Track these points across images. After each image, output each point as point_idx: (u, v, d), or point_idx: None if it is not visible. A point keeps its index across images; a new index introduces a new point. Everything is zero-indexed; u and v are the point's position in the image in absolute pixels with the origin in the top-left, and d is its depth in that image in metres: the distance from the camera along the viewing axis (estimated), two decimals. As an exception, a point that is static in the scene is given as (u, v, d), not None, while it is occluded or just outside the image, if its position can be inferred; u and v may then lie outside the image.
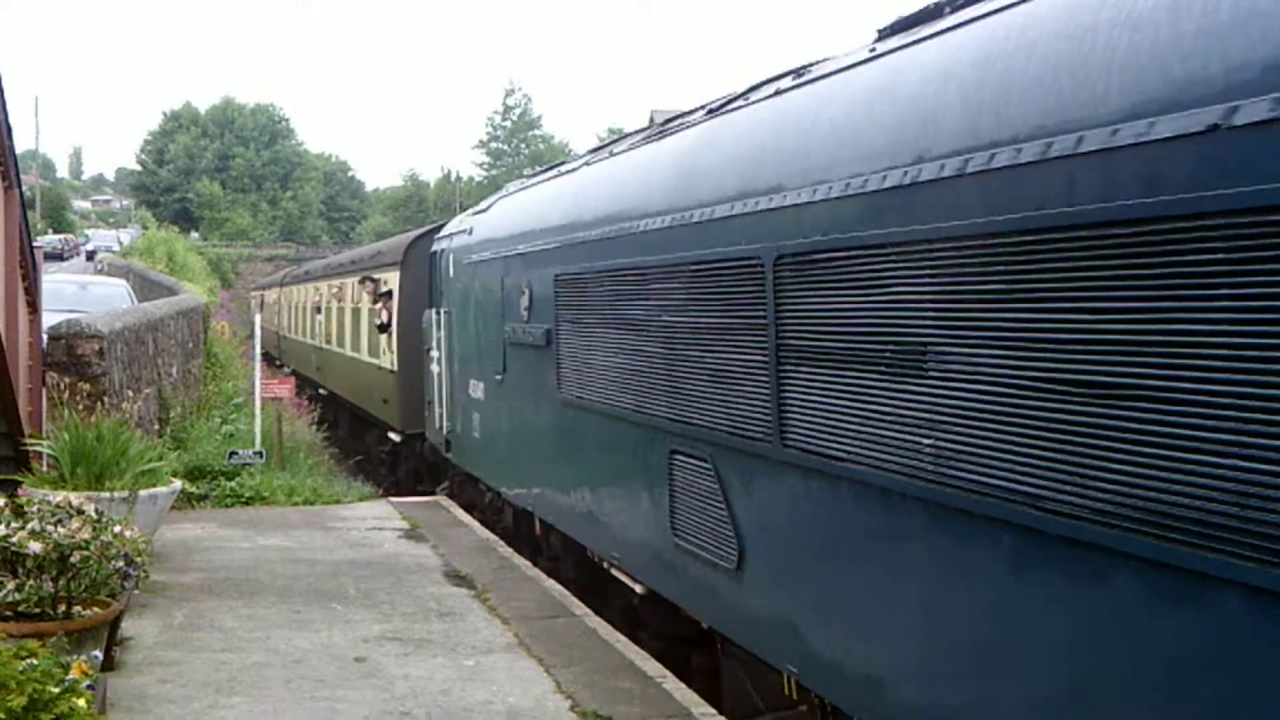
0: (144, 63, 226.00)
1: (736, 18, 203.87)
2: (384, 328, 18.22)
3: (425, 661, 7.48)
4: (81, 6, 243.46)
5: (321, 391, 27.59)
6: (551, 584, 9.79)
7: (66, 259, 55.46)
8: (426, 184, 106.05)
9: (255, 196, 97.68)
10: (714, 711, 6.69)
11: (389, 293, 18.48)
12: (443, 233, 15.04)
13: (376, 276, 19.68)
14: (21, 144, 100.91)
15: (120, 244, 58.15)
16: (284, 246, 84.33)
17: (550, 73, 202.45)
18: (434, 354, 14.24)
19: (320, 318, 28.11)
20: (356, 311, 22.46)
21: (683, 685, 7.18)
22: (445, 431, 13.96)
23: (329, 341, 26.61)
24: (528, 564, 10.54)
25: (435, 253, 14.79)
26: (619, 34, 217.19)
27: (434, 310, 14.41)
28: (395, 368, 17.71)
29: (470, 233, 12.85)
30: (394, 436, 18.52)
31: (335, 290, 25.32)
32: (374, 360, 19.80)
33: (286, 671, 7.24)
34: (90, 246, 62.90)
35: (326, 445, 21.04)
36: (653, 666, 7.53)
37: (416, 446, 17.28)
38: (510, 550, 11.16)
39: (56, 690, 2.97)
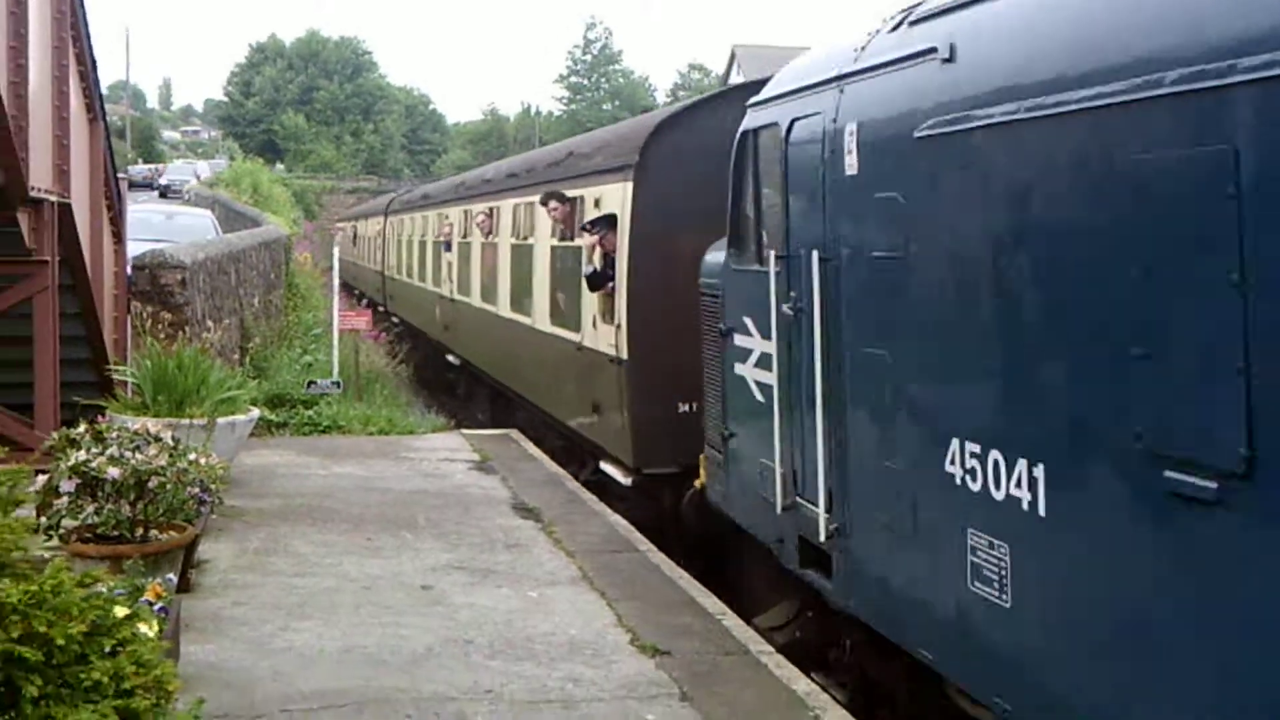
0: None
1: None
2: (597, 280, 11.06)
3: (490, 591, 7.62)
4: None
5: (452, 359, 20.41)
6: (617, 519, 9.89)
7: (155, 190, 52.49)
8: (506, 118, 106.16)
9: (339, 129, 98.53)
10: (771, 649, 6.74)
11: (605, 220, 10.99)
12: (779, 88, 7.20)
13: (573, 193, 12.45)
14: (112, 75, 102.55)
15: (198, 178, 52.19)
16: (366, 179, 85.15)
17: (632, 7, 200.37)
18: (757, 344, 7.32)
19: (452, 258, 19.93)
20: (526, 251, 14.32)
21: (742, 622, 7.24)
22: (822, 525, 6.31)
23: (467, 293, 18.32)
24: (594, 498, 10.65)
25: (756, 134, 7.45)
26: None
27: (759, 253, 7.31)
28: (622, 353, 10.50)
29: (918, 62, 5.43)
30: (614, 472, 10.91)
31: (482, 218, 17.23)
32: (568, 334, 12.32)
33: (356, 597, 7.43)
34: (165, 180, 52.32)
35: (402, 375, 21.33)
36: (713, 603, 7.60)
37: (662, 495, 10.36)
38: (578, 485, 11.28)
39: (119, 616, 3.07)
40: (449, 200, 21.17)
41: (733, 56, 69.89)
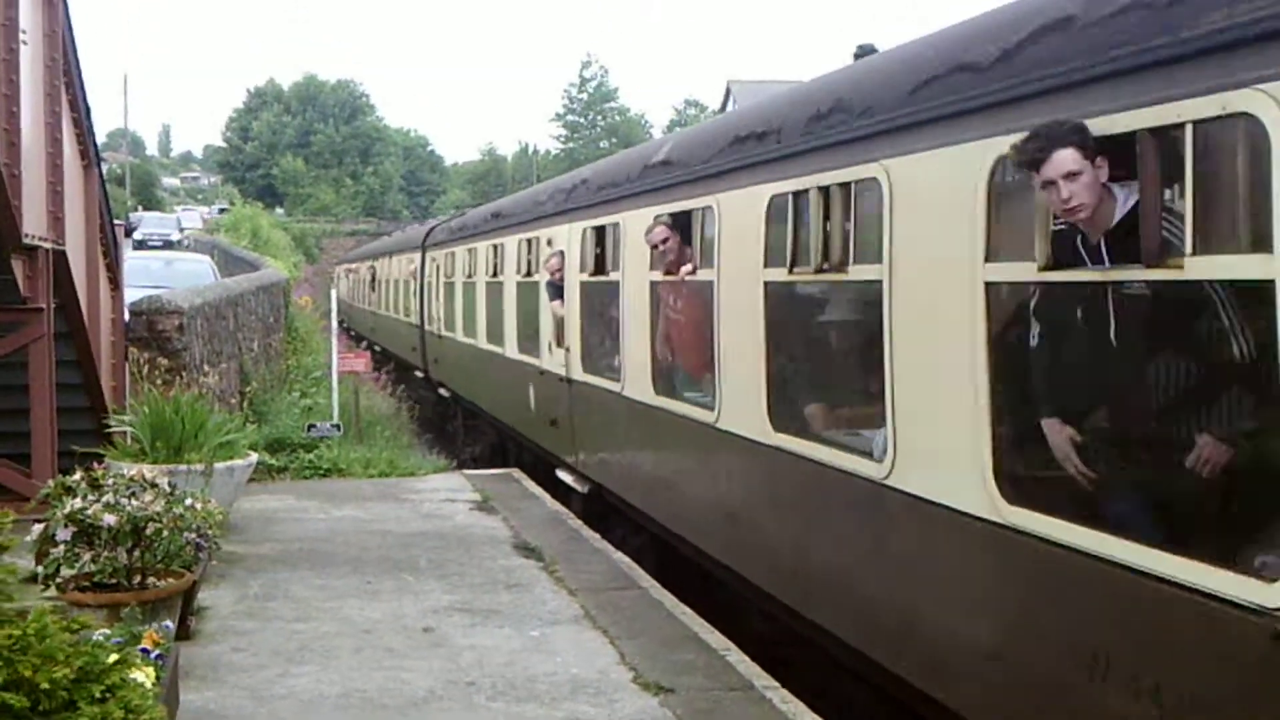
0: (229, 41, 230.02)
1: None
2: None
3: (492, 632, 7.54)
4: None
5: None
6: (620, 556, 9.81)
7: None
8: (504, 158, 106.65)
9: (337, 172, 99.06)
10: (777, 684, 6.66)
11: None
12: None
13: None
14: (112, 122, 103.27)
15: (180, 229, 46.36)
16: (366, 221, 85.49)
17: (627, 45, 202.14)
18: None
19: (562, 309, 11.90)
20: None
21: (746, 658, 7.15)
22: None
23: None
24: (596, 536, 10.57)
25: None
26: (694, 5, 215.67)
27: None
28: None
29: None
30: None
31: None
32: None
33: (356, 640, 7.35)
34: (140, 234, 42.12)
35: (402, 416, 21.21)
36: (717, 639, 7.51)
37: None
38: (580, 523, 11.20)
39: (109, 662, 3.01)
40: (548, 215, 12.81)
41: (728, 92, 70.21)
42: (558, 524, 11.16)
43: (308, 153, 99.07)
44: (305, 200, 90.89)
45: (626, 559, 9.71)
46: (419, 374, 23.60)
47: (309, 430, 14.28)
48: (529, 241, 13.61)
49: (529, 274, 13.47)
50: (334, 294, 19.33)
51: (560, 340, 11.82)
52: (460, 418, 20.33)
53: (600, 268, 10.68)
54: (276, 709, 6.15)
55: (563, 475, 12.26)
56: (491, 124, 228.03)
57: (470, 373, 17.97)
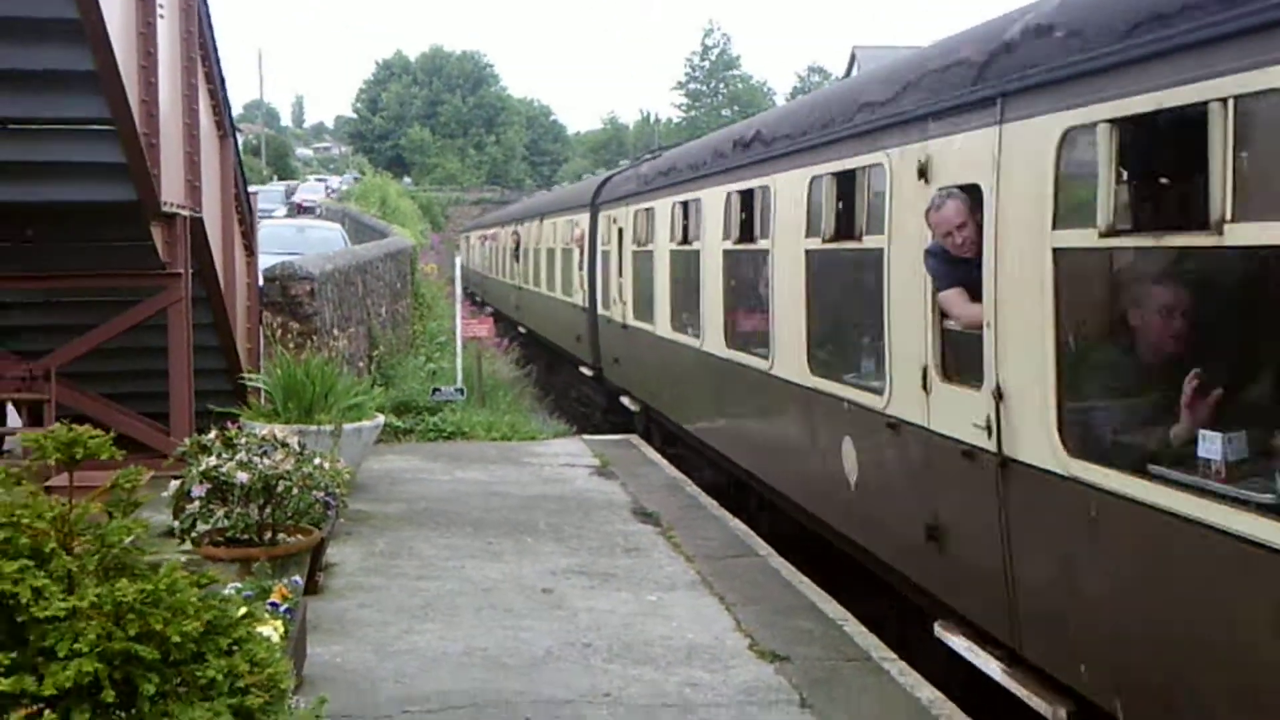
0: (361, 13, 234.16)
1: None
2: None
3: (609, 595, 7.61)
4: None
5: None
6: (736, 523, 9.80)
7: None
8: (625, 127, 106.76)
9: (462, 142, 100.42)
10: (894, 655, 6.59)
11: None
12: None
13: None
14: (248, 94, 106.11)
15: (329, 193, 52.96)
16: (490, 190, 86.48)
17: (749, 11, 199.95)
18: None
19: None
20: None
21: (864, 629, 7.10)
22: None
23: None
24: (714, 503, 10.58)
25: None
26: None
27: None
28: None
29: None
30: None
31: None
32: None
33: (477, 600, 7.49)
34: (298, 198, 48.45)
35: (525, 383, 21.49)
36: (834, 608, 7.47)
37: None
38: (698, 489, 11.23)
39: (237, 615, 3.12)
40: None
41: (853, 58, 69.03)
42: (676, 490, 11.20)
43: (434, 123, 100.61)
44: (432, 169, 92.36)
45: (743, 526, 9.71)
46: (585, 371, 18.65)
47: (434, 394, 14.57)
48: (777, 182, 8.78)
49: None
50: (458, 261, 19.61)
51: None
52: (651, 433, 14.47)
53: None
54: (401, 664, 6.31)
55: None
56: (613, 93, 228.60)
57: (679, 384, 12.41)
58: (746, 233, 9.75)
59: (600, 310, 17.11)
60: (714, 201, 10.65)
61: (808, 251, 8.11)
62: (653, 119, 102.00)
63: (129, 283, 9.93)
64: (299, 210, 43.16)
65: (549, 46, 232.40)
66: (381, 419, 11.21)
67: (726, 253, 10.32)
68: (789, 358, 8.52)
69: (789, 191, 8.48)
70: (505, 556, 8.58)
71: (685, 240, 11.89)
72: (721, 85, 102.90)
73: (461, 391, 14.79)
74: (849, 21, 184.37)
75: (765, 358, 9.10)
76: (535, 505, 10.30)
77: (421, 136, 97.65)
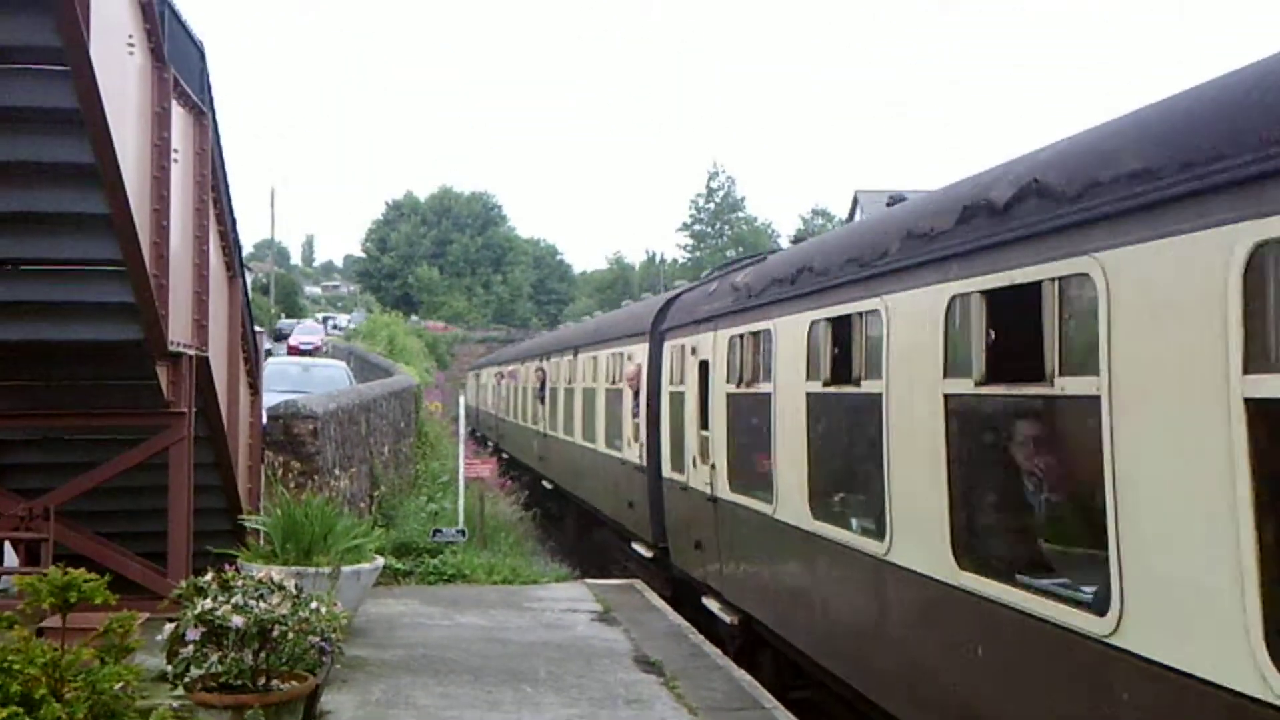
0: (371, 153, 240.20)
1: (939, 101, 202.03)
2: None
3: (610, 748, 7.38)
4: (314, 103, 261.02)
5: None
6: (741, 674, 9.57)
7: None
8: (631, 266, 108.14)
9: (470, 280, 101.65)
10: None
11: None
12: None
13: None
14: (259, 233, 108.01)
15: (338, 327, 52.62)
16: (496, 329, 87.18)
17: (753, 153, 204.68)
18: None
19: None
20: None
21: (873, 786, 6.80)
22: None
23: None
24: (718, 652, 10.35)
25: None
26: (821, 115, 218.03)
27: None
28: None
29: None
30: None
31: None
32: None
33: (473, 753, 7.26)
34: (295, 339, 47.55)
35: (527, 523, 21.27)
36: (842, 764, 7.22)
37: None
38: (701, 638, 11.00)
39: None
40: None
41: (855, 201, 70.28)
42: (679, 638, 10.98)
43: (442, 262, 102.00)
44: (439, 308, 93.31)
45: (749, 677, 9.47)
46: (639, 551, 14.51)
47: (435, 535, 14.42)
48: None
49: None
50: (462, 400, 19.63)
51: None
52: (760, 662, 10.28)
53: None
54: (392, 821, 6.08)
55: None
56: (619, 232, 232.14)
57: (833, 608, 8.29)
58: (1009, 363, 5.73)
59: (668, 473, 13.15)
60: (912, 311, 6.74)
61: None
62: (658, 259, 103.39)
63: (131, 421, 9.91)
64: (291, 353, 39.22)
65: (556, 186, 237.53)
66: (381, 561, 11.07)
67: (952, 399, 6.19)
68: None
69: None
70: (504, 706, 8.36)
71: (840, 378, 7.99)
72: (726, 226, 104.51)
73: (463, 533, 14.64)
74: (851, 164, 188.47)
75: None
76: (536, 652, 10.08)
77: (429, 276, 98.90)
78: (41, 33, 6.48)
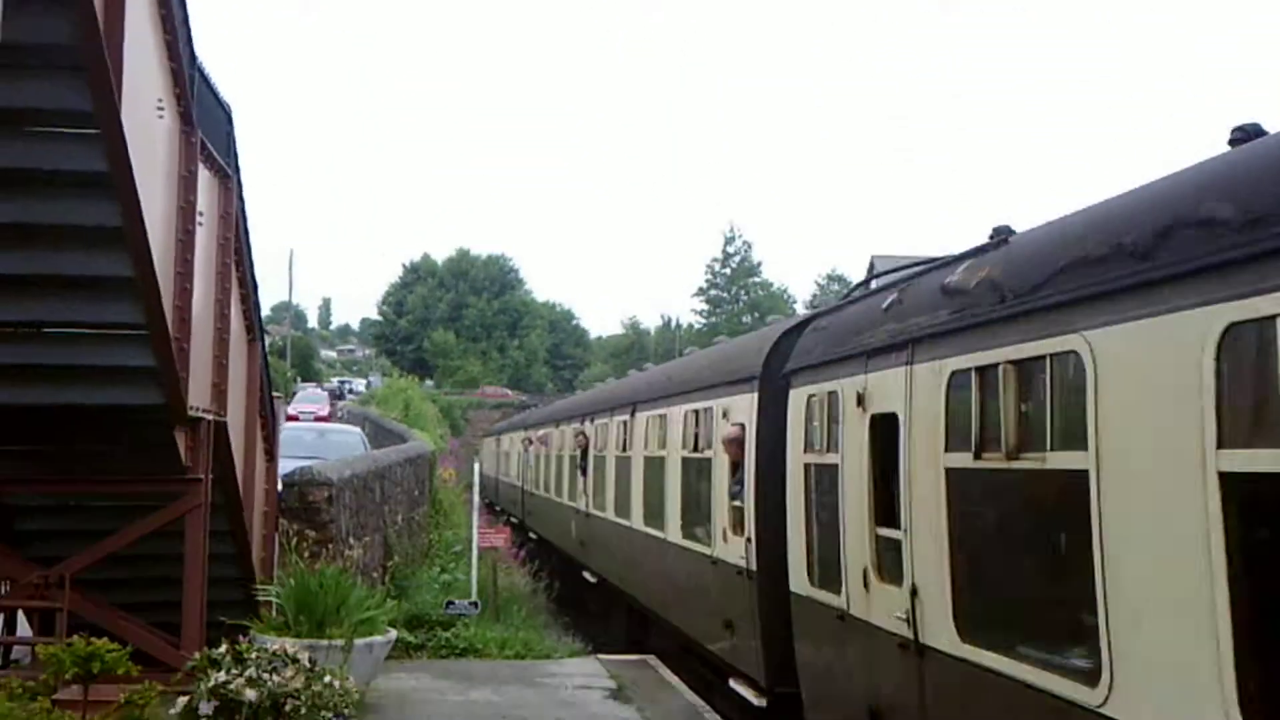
0: (389, 217, 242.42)
1: (955, 165, 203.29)
2: None
3: (629, 836, 7.15)
4: (333, 166, 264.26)
5: None
6: (762, 756, 9.25)
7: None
8: (647, 331, 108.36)
9: (485, 344, 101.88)
10: None
11: None
12: None
13: None
14: (277, 296, 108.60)
15: (351, 391, 53.49)
16: (511, 394, 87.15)
17: (770, 218, 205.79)
18: None
19: None
20: None
21: None
22: None
23: None
24: (738, 733, 9.95)
25: None
26: (838, 181, 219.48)
27: None
28: None
29: None
30: None
31: None
32: None
33: (488, 838, 7.04)
34: (293, 407, 43.80)
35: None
36: None
37: None
38: (717, 716, 10.75)
39: None
40: None
41: (871, 266, 70.48)
42: (695, 717, 10.73)
43: (458, 326, 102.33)
44: (454, 372, 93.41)
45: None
46: (747, 696, 10.29)
47: (448, 607, 14.22)
48: None
49: None
50: (476, 468, 19.47)
51: None
52: None
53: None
54: None
55: None
56: (635, 296, 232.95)
57: None
58: None
59: (804, 587, 8.88)
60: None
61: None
62: (674, 324, 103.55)
63: (148, 488, 9.79)
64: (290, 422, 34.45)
65: (572, 248, 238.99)
66: (394, 634, 10.90)
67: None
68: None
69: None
70: (519, 788, 8.13)
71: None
72: (743, 291, 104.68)
73: (476, 605, 14.43)
74: (867, 230, 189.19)
75: None
76: (550, 730, 9.85)
77: (445, 340, 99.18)
78: (74, 96, 6.47)
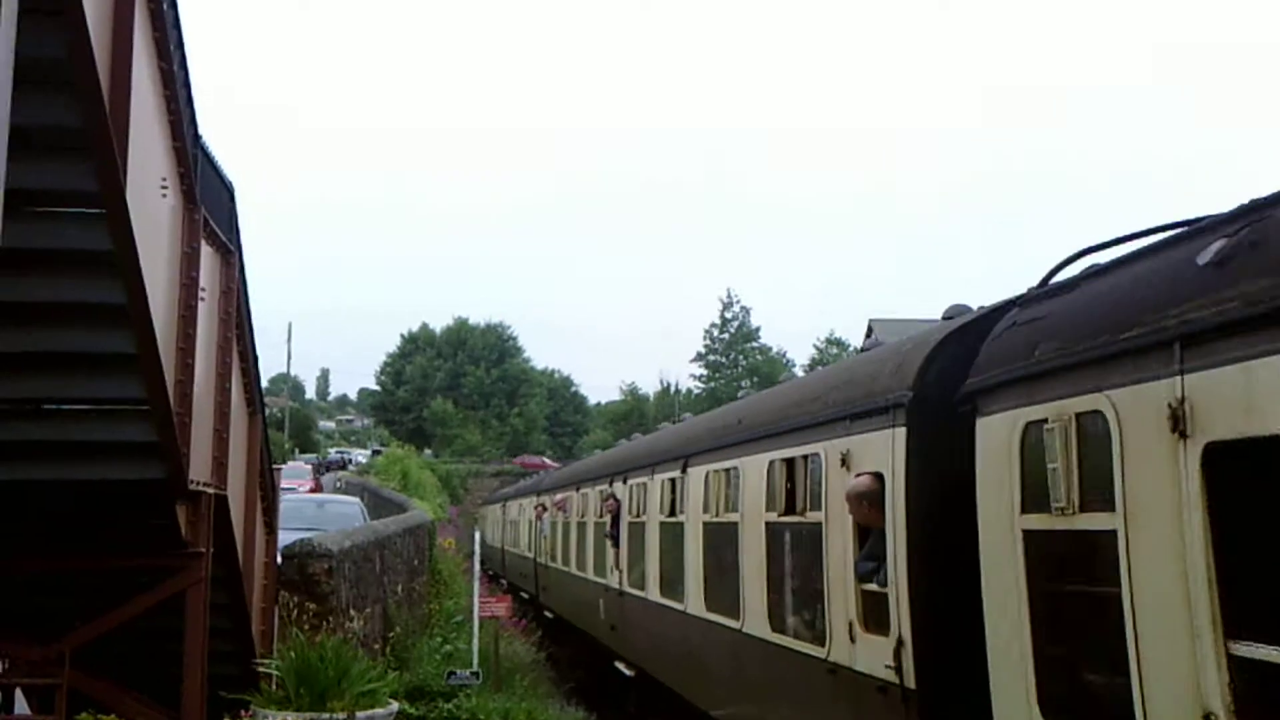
0: (387, 288, 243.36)
1: (953, 227, 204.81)
2: None
3: None
4: (332, 238, 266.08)
5: None
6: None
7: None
8: (646, 397, 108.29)
9: (484, 413, 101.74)
10: None
11: None
12: None
13: None
14: (275, 367, 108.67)
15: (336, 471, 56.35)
16: (510, 463, 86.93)
17: (767, 282, 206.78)
18: None
19: None
20: None
21: None
22: None
23: None
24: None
25: None
26: (836, 246, 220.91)
27: None
28: None
29: None
30: None
31: None
32: None
33: None
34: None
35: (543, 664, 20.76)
36: None
37: None
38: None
39: None
40: None
41: (869, 330, 70.69)
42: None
43: (457, 394, 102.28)
44: (453, 441, 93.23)
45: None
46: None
47: (449, 678, 14.12)
48: None
49: None
50: (477, 536, 19.42)
51: None
52: None
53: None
54: None
55: None
56: (634, 363, 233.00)
57: None
58: None
59: None
60: None
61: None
62: (673, 389, 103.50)
63: (148, 563, 9.78)
64: None
65: (570, 316, 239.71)
66: (395, 706, 10.80)
67: None
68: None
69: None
70: None
71: None
72: (741, 356, 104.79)
73: (477, 675, 14.34)
74: (865, 293, 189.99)
75: None
76: (554, 803, 9.72)
77: (444, 409, 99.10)
78: (79, 177, 6.57)
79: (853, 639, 7.71)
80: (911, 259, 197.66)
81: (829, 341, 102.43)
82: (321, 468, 63.06)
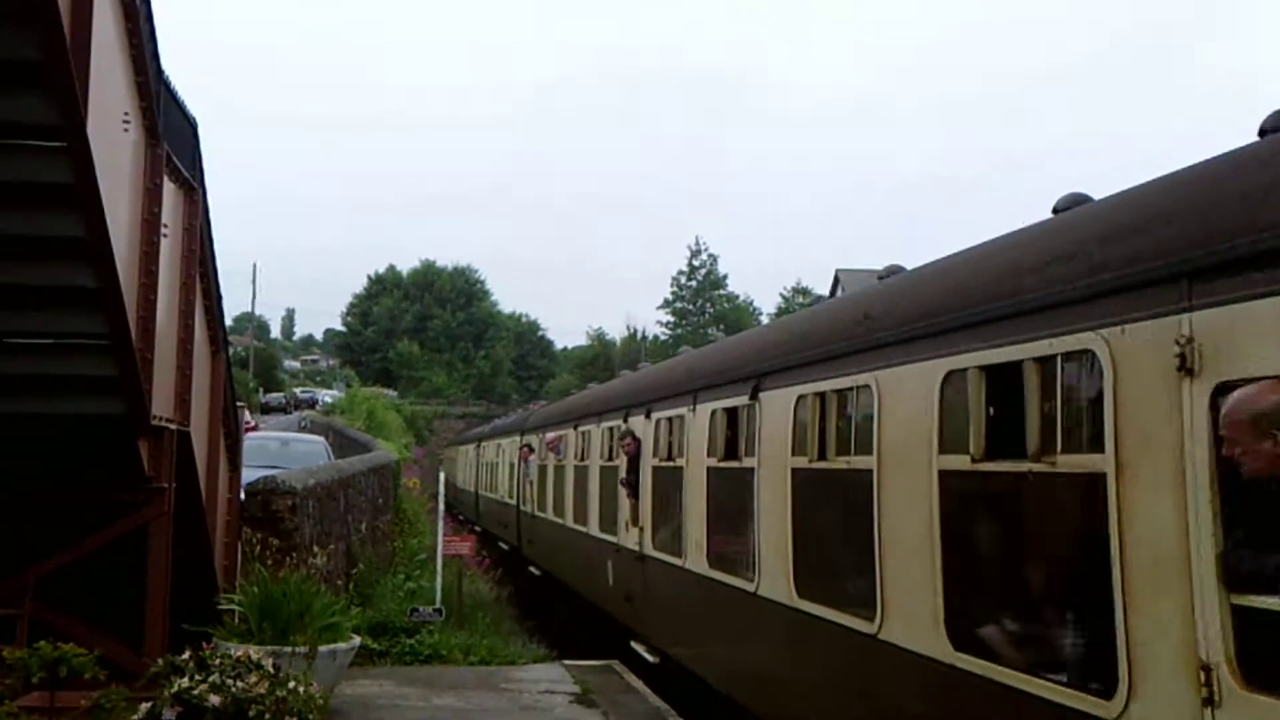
0: (353, 228, 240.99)
1: (916, 179, 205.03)
2: None
3: (588, 836, 7.26)
4: (299, 178, 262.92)
5: None
6: (723, 759, 9.08)
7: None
8: (613, 342, 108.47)
9: (450, 356, 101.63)
10: None
11: None
12: None
13: None
14: (241, 306, 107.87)
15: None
16: (476, 405, 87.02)
17: (735, 231, 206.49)
18: None
19: None
20: None
21: None
22: None
23: None
24: (700, 737, 9.82)
25: None
26: (803, 194, 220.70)
27: None
28: None
29: None
30: None
31: None
32: None
33: (450, 839, 7.14)
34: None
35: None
36: None
37: None
38: (681, 719, 10.88)
39: None
40: None
41: (836, 280, 70.94)
42: (659, 720, 10.82)
43: (423, 337, 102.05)
44: (419, 383, 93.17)
45: (730, 761, 9.03)
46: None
47: (412, 614, 14.29)
48: None
49: None
50: (442, 477, 19.56)
51: None
52: None
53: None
54: None
55: None
56: (601, 308, 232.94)
57: None
58: None
59: None
60: None
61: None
62: (640, 335, 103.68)
63: (111, 497, 9.84)
64: None
65: (538, 260, 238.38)
66: (357, 640, 10.97)
67: None
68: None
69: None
70: (481, 790, 8.22)
71: None
72: (708, 304, 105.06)
73: (440, 612, 14.52)
74: (833, 243, 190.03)
75: None
76: (513, 735, 9.93)
77: (410, 350, 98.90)
78: (40, 110, 6.54)
79: (1215, 702, 4.04)
80: (874, 212, 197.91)
81: (795, 290, 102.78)
82: (290, 406, 63.58)
